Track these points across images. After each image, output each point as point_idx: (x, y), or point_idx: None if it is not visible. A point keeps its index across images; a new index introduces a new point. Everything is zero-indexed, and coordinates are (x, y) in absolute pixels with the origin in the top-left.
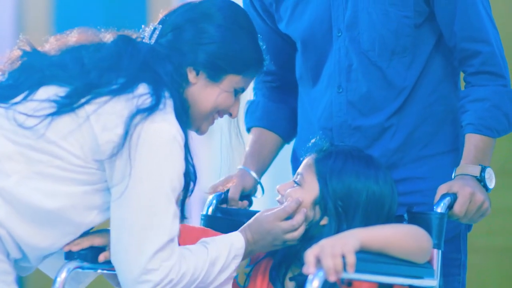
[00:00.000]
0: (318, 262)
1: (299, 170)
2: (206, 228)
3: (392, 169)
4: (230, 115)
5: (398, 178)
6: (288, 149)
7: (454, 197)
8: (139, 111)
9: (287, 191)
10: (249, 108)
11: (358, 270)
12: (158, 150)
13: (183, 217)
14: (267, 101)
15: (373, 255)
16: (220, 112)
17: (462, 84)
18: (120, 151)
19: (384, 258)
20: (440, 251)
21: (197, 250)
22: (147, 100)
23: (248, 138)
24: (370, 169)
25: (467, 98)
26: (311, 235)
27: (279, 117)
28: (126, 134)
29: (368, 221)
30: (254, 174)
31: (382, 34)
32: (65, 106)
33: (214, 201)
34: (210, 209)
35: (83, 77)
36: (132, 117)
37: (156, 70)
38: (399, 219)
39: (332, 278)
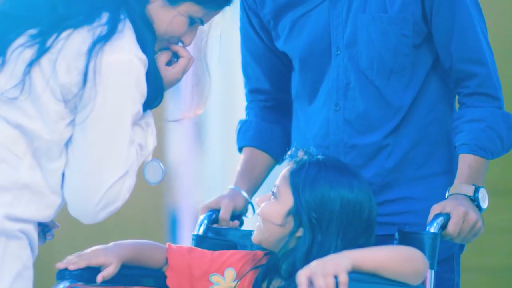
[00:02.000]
0: (311, 284)
1: (276, 182)
2: (193, 247)
3: (387, 189)
4: (183, 43)
5: (393, 198)
6: (281, 167)
7: (447, 217)
8: (95, 43)
9: (261, 204)
10: (241, 128)
11: None
12: (118, 80)
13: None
14: (260, 121)
15: (365, 275)
16: (172, 38)
17: (457, 106)
18: (85, 83)
19: (376, 279)
20: (433, 271)
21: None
22: (104, 29)
23: (240, 157)
24: (344, 177)
25: (462, 118)
26: (289, 247)
27: (272, 137)
28: (87, 68)
29: (345, 230)
30: (245, 194)
31: (380, 53)
32: (38, 50)
33: (205, 221)
34: (201, 229)
35: (51, 13)
36: (90, 50)
37: None
38: (390, 239)
39: None
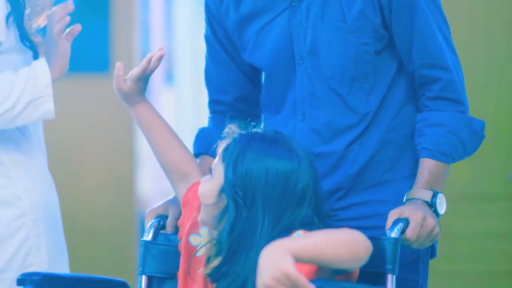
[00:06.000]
0: None
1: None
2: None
3: (353, 193)
4: None
5: (358, 202)
6: None
7: (407, 222)
8: None
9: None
10: (198, 135)
11: None
12: None
13: (31, 46)
14: (216, 130)
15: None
16: None
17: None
18: None
19: (345, 283)
20: (394, 276)
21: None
22: None
23: None
24: (273, 147)
25: (424, 121)
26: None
27: None
28: None
29: (271, 204)
30: None
31: (341, 62)
32: None
33: (154, 227)
34: (150, 235)
35: None
36: None
37: None
38: None
39: None
